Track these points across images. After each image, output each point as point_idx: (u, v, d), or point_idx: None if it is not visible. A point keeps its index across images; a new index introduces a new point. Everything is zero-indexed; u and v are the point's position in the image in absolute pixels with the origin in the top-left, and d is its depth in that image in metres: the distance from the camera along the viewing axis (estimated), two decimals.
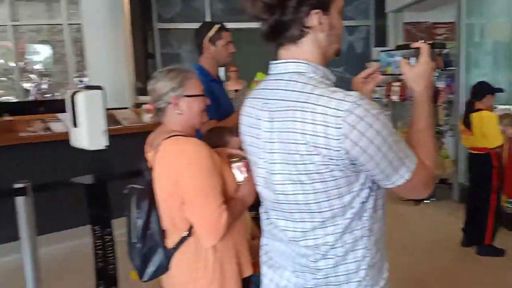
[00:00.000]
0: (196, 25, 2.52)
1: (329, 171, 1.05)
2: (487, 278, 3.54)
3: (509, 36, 5.74)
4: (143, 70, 7.45)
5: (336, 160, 1.04)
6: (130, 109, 4.66)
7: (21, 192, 2.18)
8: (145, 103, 5.12)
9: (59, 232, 3.76)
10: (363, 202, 1.12)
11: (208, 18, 7.99)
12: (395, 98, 5.95)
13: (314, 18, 1.10)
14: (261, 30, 1.14)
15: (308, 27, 1.10)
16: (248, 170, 1.68)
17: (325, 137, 1.02)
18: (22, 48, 8.46)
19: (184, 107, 1.63)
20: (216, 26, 2.42)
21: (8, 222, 2.30)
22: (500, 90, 3.98)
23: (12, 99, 8.08)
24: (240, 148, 1.71)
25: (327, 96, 1.03)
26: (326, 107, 1.02)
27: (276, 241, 1.26)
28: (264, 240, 1.34)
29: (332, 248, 1.14)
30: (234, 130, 1.93)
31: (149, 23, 8.00)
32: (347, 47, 8.12)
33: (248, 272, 1.70)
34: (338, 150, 1.02)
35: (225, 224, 1.51)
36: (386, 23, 7.37)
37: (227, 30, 2.46)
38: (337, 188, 1.08)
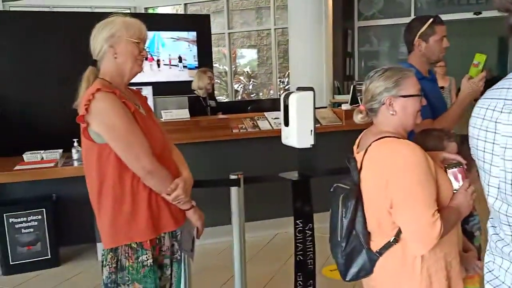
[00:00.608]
0: (397, 21, 2.40)
1: None
2: None
3: None
4: (341, 69, 7.53)
5: None
6: (328, 108, 4.75)
7: (235, 182, 2.43)
8: (342, 102, 5.15)
9: (264, 220, 4.06)
10: None
11: (412, 12, 7.60)
12: None
13: None
14: (508, 22, 1.01)
15: None
16: (464, 177, 1.54)
17: None
18: (234, 53, 9.50)
19: (398, 108, 1.57)
20: (430, 21, 2.24)
21: (223, 207, 2.59)
22: None
23: (223, 99, 9.14)
24: (460, 154, 1.57)
25: None
26: None
27: (506, 260, 1.12)
28: (489, 257, 1.20)
29: None
30: (452, 134, 1.79)
31: (350, 22, 8.04)
32: None
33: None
34: None
35: (438, 234, 1.43)
36: None
37: (442, 23, 2.27)
38: None
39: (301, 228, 2.28)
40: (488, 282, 1.19)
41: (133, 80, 1.84)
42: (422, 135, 1.83)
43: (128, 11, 9.17)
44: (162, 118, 3.85)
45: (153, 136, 1.75)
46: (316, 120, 4.22)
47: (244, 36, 9.61)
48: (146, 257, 1.72)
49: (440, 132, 1.83)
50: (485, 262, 1.21)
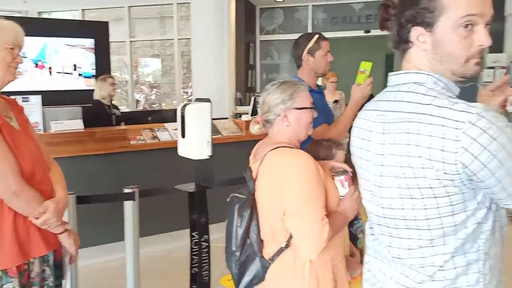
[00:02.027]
0: (296, 36, 2.52)
1: (443, 186, 0.99)
2: None
3: None
4: (243, 81, 7.67)
5: (452, 174, 0.97)
6: (229, 119, 4.79)
7: (129, 196, 2.33)
8: (243, 113, 5.24)
9: (160, 234, 3.94)
10: (479, 223, 1.02)
11: (309, 28, 8.02)
12: (511, 108, 5.38)
13: (413, 35, 1.07)
14: (392, 39, 1.15)
15: (410, 42, 1.09)
16: (351, 184, 1.65)
17: (441, 150, 0.96)
18: (136, 62, 9.23)
19: (292, 119, 1.65)
20: (316, 36, 2.40)
21: (115, 223, 2.47)
22: None
23: (124, 108, 8.80)
24: (347, 162, 1.67)
25: (448, 108, 0.97)
26: (446, 118, 0.96)
27: (380, 258, 1.21)
28: (367, 257, 1.29)
29: (441, 270, 1.06)
30: (340, 144, 1.91)
31: (252, 35, 8.26)
32: None
33: None
34: (454, 164, 0.95)
35: (326, 238, 1.50)
36: (504, 27, 6.74)
37: (326, 39, 2.43)
38: (450, 205, 1.01)
39: (197, 240, 2.26)
40: (366, 280, 1.27)
41: (19, 88, 1.67)
42: (314, 145, 1.92)
43: (19, 15, 8.49)
44: (51, 129, 3.58)
45: (22, 152, 1.59)
46: (216, 131, 4.28)
47: (147, 45, 9.38)
48: (12, 285, 1.55)
49: (329, 142, 1.94)
50: (364, 262, 1.30)
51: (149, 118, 5.35)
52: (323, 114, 2.29)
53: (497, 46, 6.95)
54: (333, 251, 1.62)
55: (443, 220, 1.02)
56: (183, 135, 2.32)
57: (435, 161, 0.97)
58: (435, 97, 1.01)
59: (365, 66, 2.22)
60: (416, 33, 1.06)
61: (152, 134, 4.01)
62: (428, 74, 1.07)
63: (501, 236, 1.08)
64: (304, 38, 2.44)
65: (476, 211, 1.01)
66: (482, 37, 1.02)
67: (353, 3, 7.87)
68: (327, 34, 2.50)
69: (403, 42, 1.10)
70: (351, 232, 1.96)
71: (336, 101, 5.65)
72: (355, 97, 2.24)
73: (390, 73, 1.17)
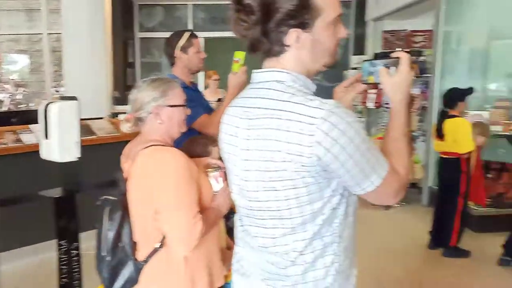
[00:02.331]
0: None
1: (301, 178, 1.06)
2: (451, 279, 3.62)
3: (485, 43, 5.82)
4: (122, 79, 7.37)
5: (308, 166, 1.04)
6: (105, 119, 4.57)
7: None
8: (121, 113, 5.04)
9: (23, 247, 3.59)
10: (333, 209, 1.11)
11: (190, 27, 7.99)
12: (370, 105, 6.02)
13: (291, 37, 1.10)
14: (247, 44, 1.16)
15: (287, 45, 1.11)
16: (225, 179, 1.68)
17: (298, 144, 1.02)
18: None
19: (165, 117, 1.62)
20: (187, 34, 2.41)
21: None
22: (470, 90, 3.93)
23: None
24: (220, 158, 1.69)
25: (304, 104, 1.04)
26: (302, 114, 1.02)
27: (248, 248, 1.26)
28: (237, 248, 1.34)
29: (301, 255, 1.13)
30: (215, 140, 1.93)
31: (130, 32, 7.97)
32: None
33: (219, 283, 1.68)
34: (310, 157, 1.02)
35: (199, 234, 1.50)
36: (366, 32, 7.43)
37: (196, 37, 2.46)
38: (308, 195, 1.08)
39: (66, 249, 2.11)
40: (235, 271, 1.32)
41: None
42: (190, 142, 1.92)
43: None
44: None
45: None
46: (90, 132, 4.05)
47: (12, 40, 8.51)
48: None
49: (205, 139, 1.95)
50: (234, 253, 1.34)
51: (13, 120, 4.85)
52: (202, 106, 2.33)
53: (359, 48, 7.66)
54: (208, 247, 1.64)
55: (302, 209, 1.09)
56: (46, 136, 2.16)
57: (294, 154, 1.03)
58: (293, 94, 1.07)
59: (239, 55, 2.29)
60: (295, 35, 1.09)
61: (15, 137, 3.64)
62: (288, 73, 1.12)
63: (354, 219, 1.19)
64: (175, 35, 2.43)
65: (331, 198, 1.10)
66: (343, 31, 1.17)
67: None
68: (207, 34, 2.53)
69: (278, 46, 1.11)
70: (228, 226, 2.00)
71: (219, 100, 5.72)
72: (232, 85, 2.28)
73: (254, 71, 1.20)
